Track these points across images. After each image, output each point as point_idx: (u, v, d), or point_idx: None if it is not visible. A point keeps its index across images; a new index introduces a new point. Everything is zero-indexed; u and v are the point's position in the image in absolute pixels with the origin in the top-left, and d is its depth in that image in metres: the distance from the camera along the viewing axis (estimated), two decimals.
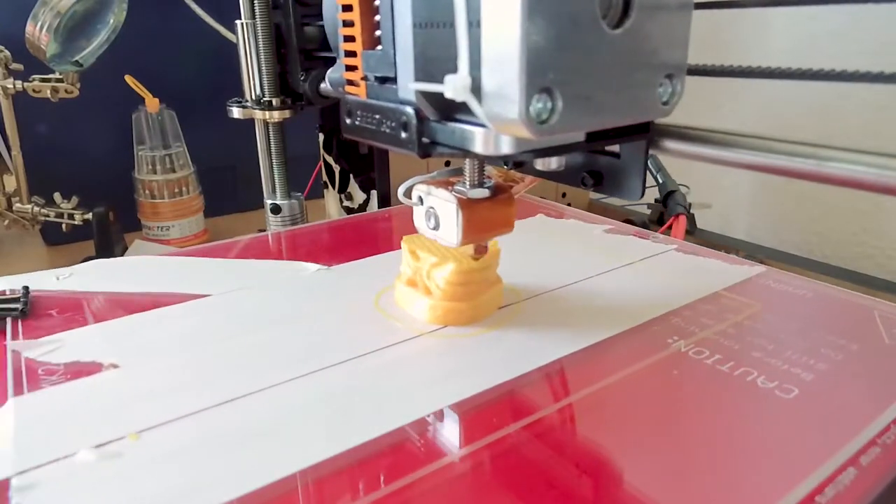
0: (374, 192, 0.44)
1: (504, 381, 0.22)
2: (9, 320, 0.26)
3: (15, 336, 0.25)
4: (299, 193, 0.43)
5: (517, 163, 0.23)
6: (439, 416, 0.20)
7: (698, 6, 0.20)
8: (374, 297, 0.28)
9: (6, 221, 0.51)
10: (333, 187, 0.47)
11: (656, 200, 0.52)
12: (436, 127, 0.19)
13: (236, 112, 0.40)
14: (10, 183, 0.52)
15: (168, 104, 0.53)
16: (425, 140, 0.19)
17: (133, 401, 0.21)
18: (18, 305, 0.27)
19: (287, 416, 0.20)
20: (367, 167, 0.45)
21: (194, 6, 0.46)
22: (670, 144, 0.20)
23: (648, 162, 0.54)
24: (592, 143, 0.20)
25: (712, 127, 0.19)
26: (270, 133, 0.41)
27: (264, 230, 0.43)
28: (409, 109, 0.19)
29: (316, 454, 0.18)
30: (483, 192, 0.23)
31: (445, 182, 0.23)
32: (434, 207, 0.23)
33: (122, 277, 0.31)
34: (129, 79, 0.50)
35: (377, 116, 0.20)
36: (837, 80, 0.16)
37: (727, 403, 0.21)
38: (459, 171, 0.23)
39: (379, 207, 0.44)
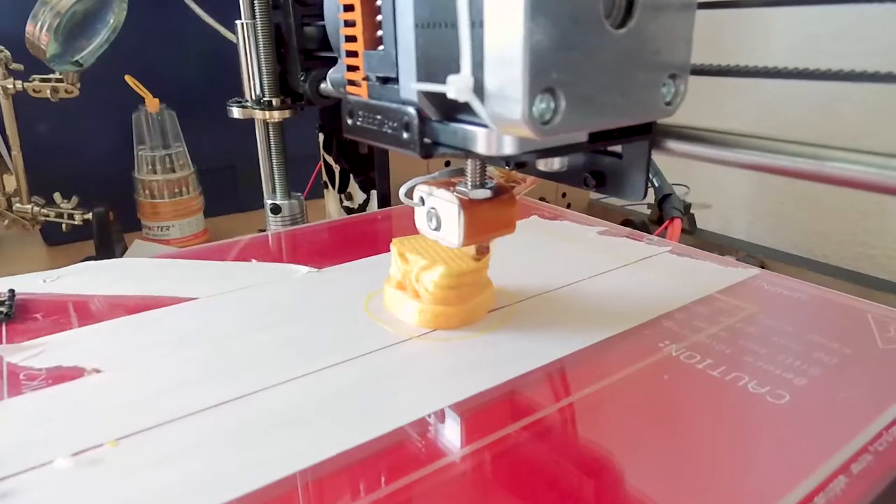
0: (374, 192, 0.44)
1: (492, 386, 0.21)
2: None
3: None
4: (299, 193, 0.43)
5: (519, 163, 0.23)
6: (427, 420, 0.20)
7: (699, 6, 0.20)
8: (363, 301, 0.28)
9: (6, 221, 0.51)
10: (333, 187, 0.47)
11: (668, 194, 0.52)
12: (438, 127, 0.19)
13: (236, 112, 0.40)
14: (10, 183, 0.52)
15: (168, 104, 0.53)
16: (427, 140, 0.19)
17: (113, 407, 0.20)
18: (3, 308, 0.26)
19: (273, 421, 0.20)
20: (367, 167, 0.45)
21: (194, 6, 0.46)
22: (672, 145, 0.20)
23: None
24: (595, 143, 0.20)
25: (712, 126, 0.19)
26: (270, 133, 0.41)
27: (264, 230, 0.43)
28: (411, 110, 0.19)
29: (303, 459, 0.18)
30: (485, 193, 0.23)
31: (447, 182, 0.23)
32: (435, 208, 0.23)
33: (109, 280, 0.30)
34: (129, 79, 0.50)
35: (378, 117, 0.20)
36: (838, 79, 0.16)
37: (717, 409, 0.20)
38: (461, 172, 0.23)
39: (379, 207, 0.44)
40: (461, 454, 0.18)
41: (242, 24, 0.38)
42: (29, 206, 0.51)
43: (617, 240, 0.36)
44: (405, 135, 0.19)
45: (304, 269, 0.32)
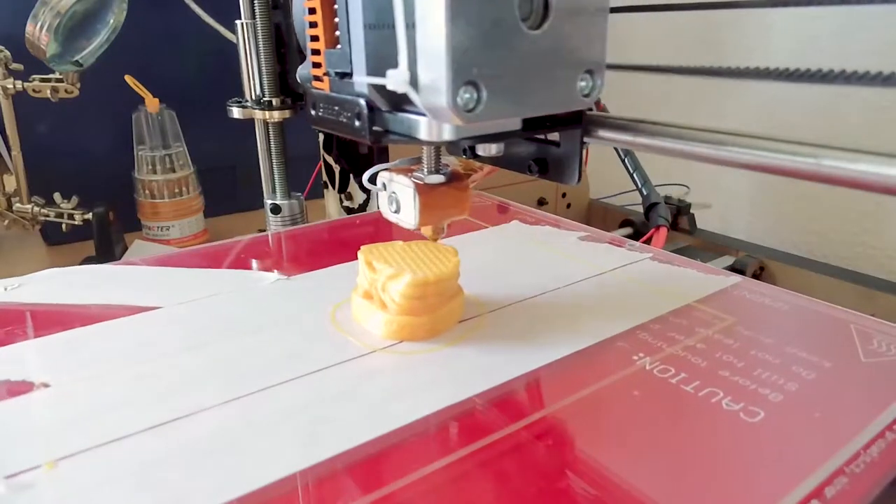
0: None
1: (455, 403, 0.20)
2: None
3: None
4: (299, 193, 0.43)
5: (474, 153, 0.25)
6: (385, 439, 0.19)
7: (700, 6, 0.20)
8: (331, 310, 0.27)
9: (6, 221, 0.51)
10: (333, 187, 0.47)
11: (655, 203, 0.52)
12: (387, 117, 0.21)
13: (236, 112, 0.40)
14: (10, 183, 0.52)
15: (168, 104, 0.53)
16: (377, 128, 0.21)
17: (57, 425, 0.19)
18: None
19: (223, 440, 0.19)
20: (367, 167, 0.45)
21: (194, 6, 0.46)
22: (603, 133, 0.22)
23: (634, 175, 0.54)
24: (528, 131, 0.22)
25: (711, 127, 0.19)
26: (270, 133, 0.41)
27: (264, 230, 0.43)
28: (362, 101, 0.21)
29: (248, 483, 0.17)
30: (439, 178, 0.25)
31: (406, 169, 0.25)
32: (395, 192, 0.25)
33: (72, 288, 0.29)
34: (129, 79, 0.50)
35: (336, 108, 0.22)
36: (837, 82, 0.16)
37: (688, 428, 0.20)
38: (419, 160, 0.25)
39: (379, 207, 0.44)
40: (419, 475, 0.17)
41: (242, 24, 0.38)
42: (29, 206, 0.51)
43: (597, 246, 0.35)
44: (357, 123, 0.21)
45: (272, 276, 0.31)
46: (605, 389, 0.21)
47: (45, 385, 0.22)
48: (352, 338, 0.25)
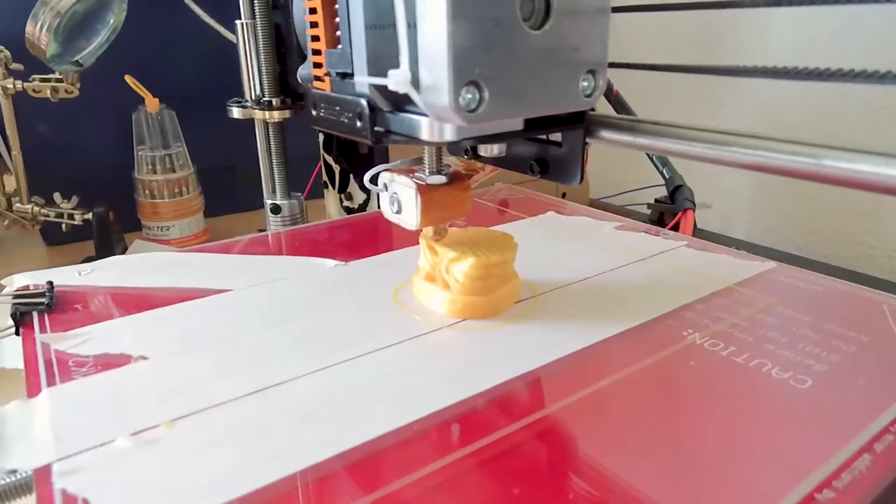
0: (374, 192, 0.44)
1: (525, 373, 0.22)
2: (35, 314, 0.26)
3: (42, 329, 0.25)
4: (299, 193, 0.43)
5: (476, 153, 0.25)
6: (463, 406, 0.20)
7: (699, 6, 0.20)
8: (392, 292, 0.29)
9: (6, 221, 0.51)
10: (333, 187, 0.47)
11: (656, 200, 0.52)
12: (389, 117, 0.21)
13: (236, 112, 0.40)
14: (10, 183, 0.52)
15: (168, 104, 0.53)
16: (378, 129, 0.21)
17: (164, 391, 0.21)
18: (44, 300, 0.27)
19: (315, 405, 0.20)
20: (366, 167, 0.45)
21: (194, 6, 0.46)
22: (606, 134, 0.22)
23: (654, 159, 0.53)
24: (530, 131, 0.22)
25: (711, 127, 0.19)
26: (270, 133, 0.41)
27: (264, 230, 0.43)
28: (363, 101, 0.21)
29: (344, 442, 0.18)
30: (440, 179, 0.25)
31: (408, 170, 0.25)
32: (397, 193, 0.25)
33: (142, 273, 0.31)
34: (129, 79, 0.50)
35: (337, 108, 0.22)
36: (837, 80, 0.16)
37: (744, 393, 0.21)
38: (421, 161, 0.25)
39: (379, 207, 0.44)
40: (486, 441, 0.19)
41: (242, 24, 0.38)
42: (29, 206, 0.51)
43: (634, 235, 0.36)
44: (358, 123, 0.21)
45: (331, 262, 0.33)
46: (662, 360, 0.23)
47: (143, 357, 0.23)
48: (418, 316, 0.26)
